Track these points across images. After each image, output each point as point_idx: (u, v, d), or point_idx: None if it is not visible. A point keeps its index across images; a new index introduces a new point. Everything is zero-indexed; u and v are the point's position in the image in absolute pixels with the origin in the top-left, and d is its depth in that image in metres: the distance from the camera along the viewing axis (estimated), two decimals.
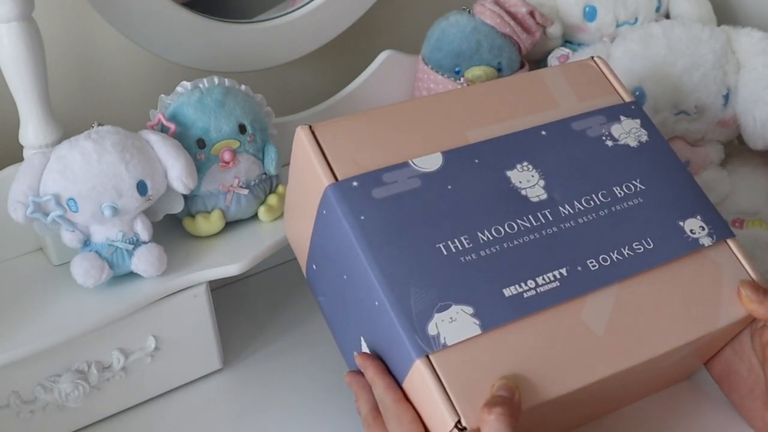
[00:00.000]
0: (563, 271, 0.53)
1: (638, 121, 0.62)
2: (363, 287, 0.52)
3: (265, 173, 0.69)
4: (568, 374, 0.50)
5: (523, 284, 0.52)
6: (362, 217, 0.52)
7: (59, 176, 0.59)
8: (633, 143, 0.60)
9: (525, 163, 0.57)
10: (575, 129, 0.60)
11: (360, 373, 0.55)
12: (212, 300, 0.67)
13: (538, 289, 0.52)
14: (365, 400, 0.54)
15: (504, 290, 0.51)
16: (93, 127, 0.62)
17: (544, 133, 0.59)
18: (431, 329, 0.49)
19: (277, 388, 0.68)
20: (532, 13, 0.83)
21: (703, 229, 0.57)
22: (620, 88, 0.64)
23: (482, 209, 0.54)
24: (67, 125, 0.65)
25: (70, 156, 0.59)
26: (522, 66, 0.84)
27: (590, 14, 0.88)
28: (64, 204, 0.59)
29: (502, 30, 0.81)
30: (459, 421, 0.47)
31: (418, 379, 0.49)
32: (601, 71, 0.65)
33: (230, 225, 0.69)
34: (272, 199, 0.70)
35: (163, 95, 0.68)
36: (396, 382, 0.51)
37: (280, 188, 0.71)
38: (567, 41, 0.91)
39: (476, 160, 0.56)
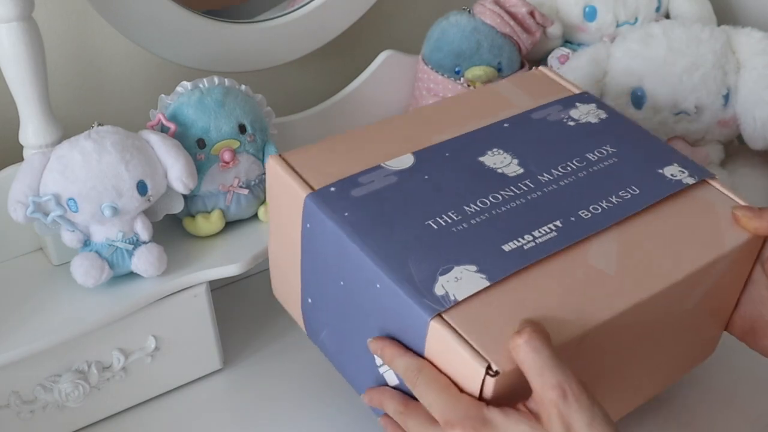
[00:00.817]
0: (558, 223, 0.54)
1: (593, 105, 0.65)
2: (361, 279, 0.52)
3: (265, 173, 0.69)
4: (588, 311, 0.49)
5: (520, 239, 0.52)
6: (346, 214, 0.53)
7: (59, 176, 0.59)
8: (594, 120, 0.63)
9: (495, 149, 0.59)
10: (535, 118, 0.63)
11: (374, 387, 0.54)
12: (212, 300, 0.67)
13: (536, 241, 0.52)
14: (390, 397, 0.52)
15: (503, 246, 0.52)
16: (93, 127, 0.62)
17: (506, 125, 0.62)
18: (438, 290, 0.49)
19: (277, 388, 0.68)
20: (532, 13, 0.83)
21: (683, 172, 0.59)
22: (570, 85, 0.67)
23: (463, 189, 0.56)
24: (67, 125, 0.65)
25: (70, 156, 0.59)
26: (522, 66, 0.84)
27: (590, 14, 0.88)
28: (64, 204, 0.59)
29: (502, 30, 0.81)
30: (489, 366, 0.46)
31: (438, 339, 0.48)
32: (548, 77, 0.68)
33: (230, 225, 0.69)
34: None
35: (163, 95, 0.68)
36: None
37: None
38: (567, 41, 0.91)
39: (447, 154, 0.59)
